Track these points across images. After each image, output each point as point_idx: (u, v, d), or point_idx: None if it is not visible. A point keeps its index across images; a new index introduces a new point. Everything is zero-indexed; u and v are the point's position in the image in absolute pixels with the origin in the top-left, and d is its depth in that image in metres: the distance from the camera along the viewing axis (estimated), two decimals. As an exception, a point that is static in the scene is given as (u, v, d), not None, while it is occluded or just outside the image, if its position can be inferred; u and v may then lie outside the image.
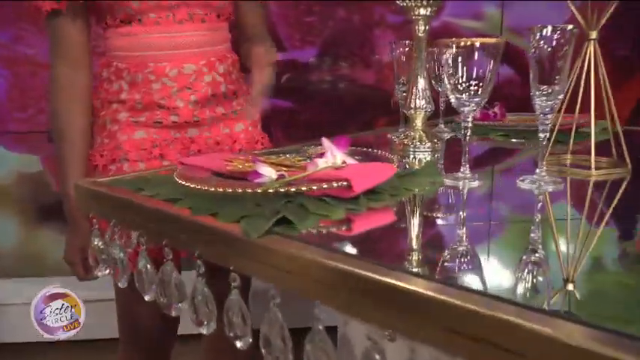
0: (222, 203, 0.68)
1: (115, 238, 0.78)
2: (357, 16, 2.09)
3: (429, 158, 1.07)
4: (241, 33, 1.25)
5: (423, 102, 1.09)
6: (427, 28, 1.07)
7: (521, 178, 0.84)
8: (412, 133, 1.11)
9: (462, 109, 0.82)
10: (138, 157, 1.07)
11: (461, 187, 0.82)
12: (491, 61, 0.78)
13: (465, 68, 0.80)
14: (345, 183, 0.68)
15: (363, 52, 2.13)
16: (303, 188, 0.67)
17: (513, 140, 1.25)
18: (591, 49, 0.91)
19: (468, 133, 0.83)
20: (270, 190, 0.67)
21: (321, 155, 0.78)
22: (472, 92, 0.80)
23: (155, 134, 1.09)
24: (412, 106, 1.09)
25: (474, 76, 0.80)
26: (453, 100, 0.82)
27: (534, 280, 0.57)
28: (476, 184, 0.83)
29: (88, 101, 1.12)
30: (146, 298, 0.74)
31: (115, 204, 0.76)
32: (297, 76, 2.05)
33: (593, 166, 0.89)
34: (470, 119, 0.82)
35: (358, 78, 2.13)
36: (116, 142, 1.09)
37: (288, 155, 0.91)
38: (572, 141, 0.98)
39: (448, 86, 0.82)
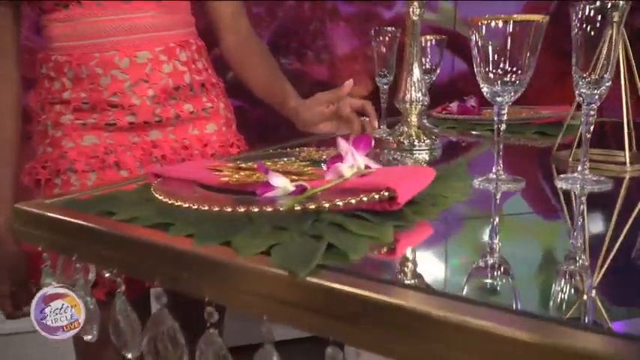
0: (232, 228, 0.51)
1: (74, 276, 0.59)
2: (307, 6, 1.95)
3: (427, 157, 0.94)
4: (213, 20, 1.09)
5: (419, 94, 0.96)
6: (423, 11, 0.95)
7: (561, 177, 0.73)
8: (407, 130, 0.98)
9: (495, 99, 0.69)
10: (88, 166, 0.88)
11: (498, 190, 0.70)
12: (533, 42, 0.66)
13: (500, 51, 0.67)
14: (386, 193, 0.54)
15: (316, 45, 1.98)
16: (339, 203, 0.52)
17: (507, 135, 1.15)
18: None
19: (502, 128, 0.70)
20: (298, 208, 0.51)
21: (338, 159, 0.63)
22: (509, 80, 0.68)
23: (109, 139, 0.90)
24: (407, 99, 0.96)
25: (512, 60, 0.67)
26: (485, 90, 0.70)
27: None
28: (516, 185, 0.71)
29: (16, 99, 0.91)
30: (130, 355, 0.55)
31: (77, 233, 0.58)
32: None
33: (628, 160, 0.79)
34: (504, 112, 0.70)
35: (310, 73, 1.99)
36: (60, 151, 0.89)
37: (285, 159, 0.76)
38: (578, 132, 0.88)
39: (478, 73, 0.69)
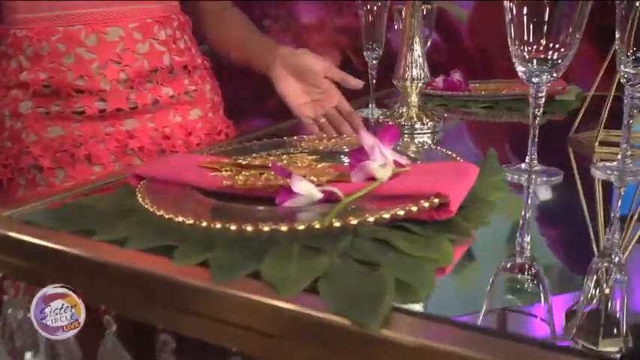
0: (254, 253, 0.41)
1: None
2: (271, -28, 1.80)
3: (429, 141, 0.86)
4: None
5: (420, 71, 0.87)
6: (425, -23, 0.85)
7: (597, 165, 0.66)
8: (408, 111, 0.88)
9: (532, 80, 0.60)
10: (55, 162, 0.75)
11: (534, 183, 0.62)
12: (576, 16, 0.58)
13: (537, 26, 0.58)
14: (436, 200, 0.45)
15: (279, 13, 1.85)
16: (386, 215, 0.42)
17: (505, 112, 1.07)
18: None
19: (539, 112, 0.62)
20: (337, 224, 0.41)
21: (360, 154, 0.53)
22: (550, 59, 0.59)
23: (77, 130, 0.77)
24: (406, 76, 0.87)
25: (552, 36, 0.58)
26: (519, 69, 0.61)
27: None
28: (553, 178, 0.63)
29: None
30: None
31: (50, 259, 0.46)
32: (204, 44, 1.72)
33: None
34: (543, 94, 0.61)
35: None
36: (21, 145, 0.76)
37: (283, 151, 0.65)
38: (605, 113, 0.81)
39: (513, 50, 0.60)
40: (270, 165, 0.57)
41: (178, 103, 0.84)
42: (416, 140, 0.86)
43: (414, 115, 0.87)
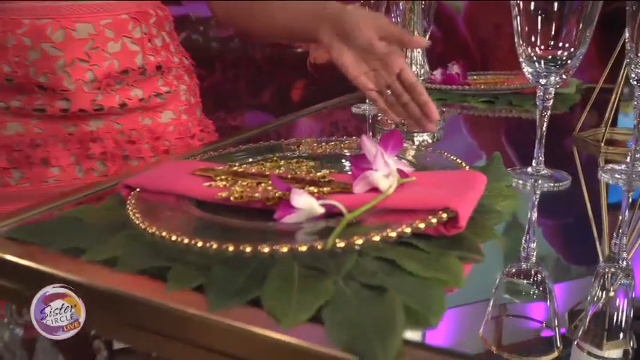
0: (253, 276, 0.38)
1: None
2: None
3: (430, 140, 0.83)
4: None
5: (420, 68, 0.84)
6: (425, -31, 0.82)
7: (605, 168, 0.64)
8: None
9: (539, 81, 0.58)
10: (10, 162, 0.72)
11: (539, 188, 0.60)
12: (587, 11, 0.55)
13: (546, 23, 0.56)
14: (445, 215, 0.42)
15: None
16: (392, 234, 0.40)
17: (504, 107, 1.05)
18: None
19: (547, 115, 0.59)
20: (341, 244, 0.39)
21: (362, 161, 0.50)
22: (558, 58, 0.56)
23: (37, 127, 0.73)
24: (406, 73, 0.84)
25: (560, 34, 0.56)
26: (527, 70, 0.58)
27: None
28: (560, 184, 0.60)
29: None
30: None
31: (34, 280, 0.43)
32: (196, 34, 1.68)
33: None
34: (551, 96, 0.59)
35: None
36: None
37: (279, 155, 0.62)
38: (612, 111, 0.79)
39: (519, 49, 0.58)
40: (267, 173, 0.54)
41: (148, 106, 0.79)
42: (415, 139, 0.83)
43: (414, 113, 0.85)
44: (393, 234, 0.40)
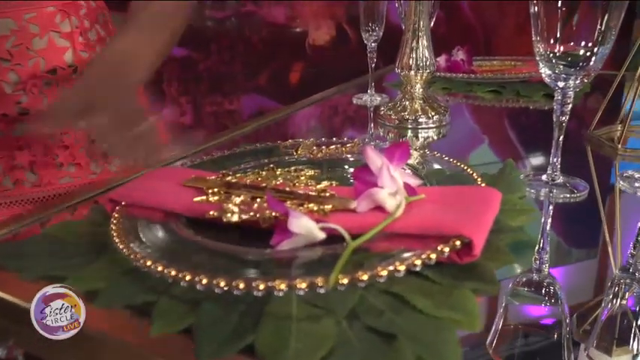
0: (246, 312, 0.35)
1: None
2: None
3: (435, 137, 0.79)
4: None
5: (426, 60, 0.79)
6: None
7: (624, 175, 0.60)
8: (411, 104, 0.81)
9: (558, 84, 0.54)
10: None
11: (553, 200, 0.56)
12: (612, 12, 0.50)
13: (565, 18, 0.51)
14: (458, 242, 0.39)
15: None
16: (401, 268, 0.36)
17: (511, 97, 1.00)
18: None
19: (564, 120, 0.55)
20: (344, 281, 0.35)
21: (365, 173, 0.46)
22: (577, 59, 0.52)
23: None
24: (410, 63, 0.79)
25: (580, 31, 0.51)
26: (544, 72, 0.54)
27: None
28: (576, 195, 0.57)
29: None
30: None
31: (8, 314, 0.39)
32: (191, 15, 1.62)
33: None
34: (570, 100, 0.54)
35: (266, 16, 1.75)
36: None
37: (276, 160, 0.58)
38: (633, 103, 0.74)
39: (537, 47, 0.53)
40: (263, 185, 0.50)
41: None
42: (420, 135, 0.79)
43: (419, 108, 0.80)
44: (402, 267, 0.36)
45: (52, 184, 0.68)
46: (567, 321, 0.41)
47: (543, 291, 0.46)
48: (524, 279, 0.45)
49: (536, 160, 0.77)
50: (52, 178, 0.68)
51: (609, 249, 0.53)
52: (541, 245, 0.49)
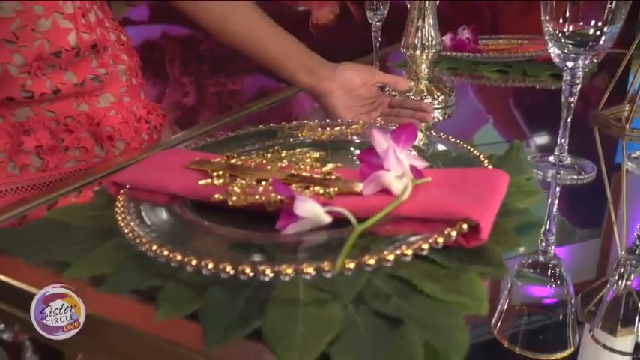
0: (252, 296, 0.35)
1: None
2: None
3: (440, 118, 0.78)
4: None
5: (432, 39, 0.78)
6: None
7: (632, 156, 0.59)
8: (417, 84, 0.80)
9: (567, 64, 0.53)
10: None
11: (560, 182, 0.55)
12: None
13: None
14: (465, 225, 0.38)
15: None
16: (408, 251, 0.36)
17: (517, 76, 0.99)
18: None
19: (573, 100, 0.55)
20: (351, 265, 0.35)
21: (371, 156, 0.46)
22: (586, 38, 0.51)
23: None
24: (416, 43, 0.78)
25: (590, 9, 0.50)
26: (553, 52, 0.53)
27: None
28: (583, 176, 0.56)
29: None
30: None
31: (12, 297, 0.39)
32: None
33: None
34: (579, 81, 0.54)
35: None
36: None
37: (281, 142, 0.57)
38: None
39: (546, 26, 0.52)
40: (268, 168, 0.50)
41: (84, 90, 0.70)
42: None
43: (425, 89, 0.80)
44: (409, 251, 0.36)
45: (58, 168, 0.68)
46: (572, 302, 0.41)
47: (549, 272, 0.46)
48: (529, 260, 0.45)
49: (542, 140, 0.76)
50: (58, 163, 0.68)
51: (615, 230, 0.53)
52: (547, 227, 0.49)
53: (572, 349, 0.36)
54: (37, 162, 0.67)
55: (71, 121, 0.69)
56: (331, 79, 0.74)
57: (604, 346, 0.37)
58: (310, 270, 0.34)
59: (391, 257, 0.35)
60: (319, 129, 0.61)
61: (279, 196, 0.43)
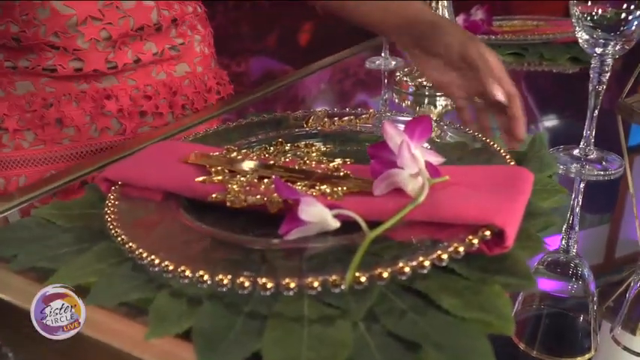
0: (251, 313, 0.31)
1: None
2: None
3: (449, 107, 0.74)
4: None
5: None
6: None
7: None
8: (429, 69, 0.76)
9: (595, 50, 0.48)
10: (22, 124, 0.68)
11: (585, 178, 0.51)
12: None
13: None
14: (488, 232, 0.35)
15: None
16: (426, 263, 0.32)
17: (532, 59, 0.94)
18: None
19: (601, 90, 0.50)
20: (363, 279, 0.31)
21: (383, 151, 0.42)
22: (619, 25, 0.47)
23: (48, 87, 0.68)
24: (429, 27, 0.74)
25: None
26: (581, 37, 0.48)
27: None
28: (610, 172, 0.52)
29: None
30: None
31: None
32: None
33: None
34: (609, 68, 0.49)
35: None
36: None
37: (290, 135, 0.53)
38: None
39: (574, 11, 0.48)
40: (271, 163, 0.46)
41: (162, 59, 0.73)
42: (438, 104, 0.74)
43: (437, 74, 0.75)
44: (427, 262, 0.32)
45: (133, 132, 0.71)
46: (595, 306, 0.39)
47: (570, 272, 0.43)
48: (549, 259, 0.43)
49: (562, 130, 0.72)
50: (134, 128, 0.72)
51: (637, 225, 0.50)
52: (570, 224, 0.46)
53: (593, 352, 0.34)
54: (116, 125, 0.71)
55: (150, 89, 0.73)
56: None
57: (624, 348, 0.35)
58: (316, 285, 0.31)
59: (407, 270, 0.32)
60: (326, 119, 0.57)
61: (281, 197, 0.40)
